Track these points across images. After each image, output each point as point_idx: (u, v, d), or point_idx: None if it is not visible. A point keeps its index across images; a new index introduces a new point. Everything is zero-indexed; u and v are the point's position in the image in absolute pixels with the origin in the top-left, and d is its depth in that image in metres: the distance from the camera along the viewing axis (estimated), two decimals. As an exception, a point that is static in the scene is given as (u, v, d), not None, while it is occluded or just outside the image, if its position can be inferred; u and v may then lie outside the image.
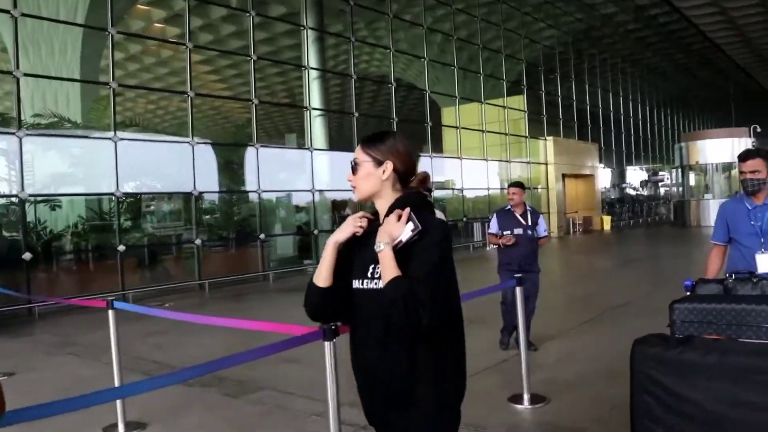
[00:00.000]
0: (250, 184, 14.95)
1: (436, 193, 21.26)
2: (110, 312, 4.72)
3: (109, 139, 12.10)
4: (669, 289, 10.24)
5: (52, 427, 4.88)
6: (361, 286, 2.09)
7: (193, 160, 13.43)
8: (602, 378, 5.40)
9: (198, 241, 13.50)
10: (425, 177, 2.18)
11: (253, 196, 15.07)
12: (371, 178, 2.11)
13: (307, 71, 16.47)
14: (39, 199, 11.93)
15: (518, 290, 4.93)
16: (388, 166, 2.09)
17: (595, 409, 4.60)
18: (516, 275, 5.05)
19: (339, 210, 17.96)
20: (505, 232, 6.46)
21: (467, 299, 5.22)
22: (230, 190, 15.64)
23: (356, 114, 17.45)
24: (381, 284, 1.96)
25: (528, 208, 6.69)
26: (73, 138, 12.58)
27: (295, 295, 12.00)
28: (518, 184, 6.70)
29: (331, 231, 16.85)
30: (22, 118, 11.30)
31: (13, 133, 11.01)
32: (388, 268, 1.95)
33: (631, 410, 2.81)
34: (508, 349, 6.57)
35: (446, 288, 2.01)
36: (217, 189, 15.19)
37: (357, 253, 2.13)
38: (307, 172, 16.20)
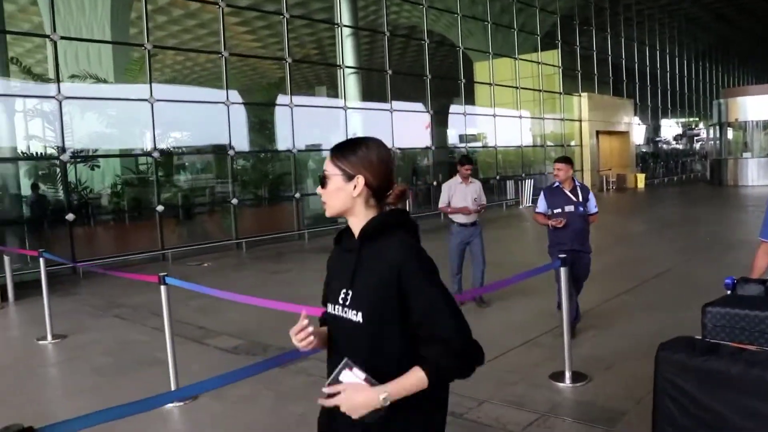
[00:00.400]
0: (285, 142, 15.02)
1: (471, 146, 21.17)
2: (162, 288, 4.83)
3: (146, 100, 12.21)
4: (708, 258, 10.21)
5: (111, 395, 5.11)
6: (333, 312, 1.92)
7: (228, 120, 13.53)
8: (642, 356, 5.38)
9: (234, 201, 13.67)
10: (403, 191, 1.95)
11: (287, 155, 15.17)
12: (341, 194, 1.88)
13: (339, 28, 16.34)
14: (78, 160, 12.08)
15: (563, 270, 4.94)
16: (359, 181, 1.86)
17: (636, 390, 4.64)
18: (563, 255, 5.03)
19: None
20: (555, 210, 6.18)
21: (517, 281, 5.28)
22: (265, 150, 15.70)
23: (389, 71, 17.31)
24: (352, 315, 1.82)
25: (577, 183, 6.37)
26: (110, 100, 12.65)
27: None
28: (565, 159, 6.36)
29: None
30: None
31: (53, 97, 11.15)
32: (406, 389, 1.74)
33: (653, 414, 2.78)
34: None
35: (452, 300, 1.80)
36: (252, 148, 15.26)
37: (334, 274, 1.99)
38: (341, 129, 16.24)
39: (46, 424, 2.10)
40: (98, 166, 13.00)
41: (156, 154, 12.45)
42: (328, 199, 1.91)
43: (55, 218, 11.57)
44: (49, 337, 6.86)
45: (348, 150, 1.89)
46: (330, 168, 1.89)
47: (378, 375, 1.75)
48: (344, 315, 1.85)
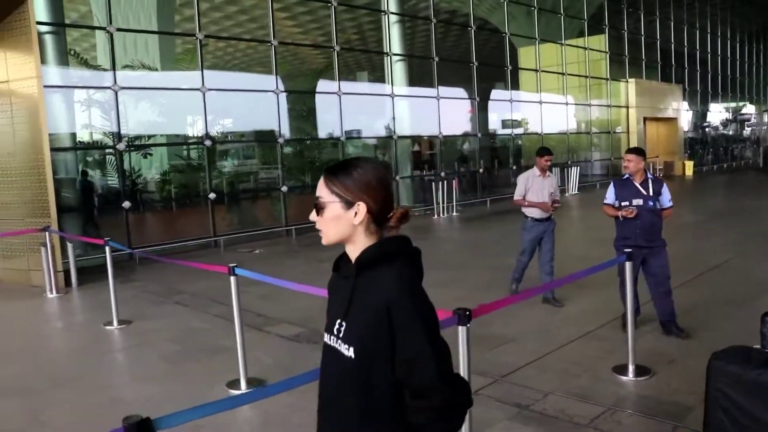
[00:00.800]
0: (332, 130, 15.15)
1: (515, 132, 21.01)
2: (232, 278, 4.95)
3: (198, 89, 12.42)
4: (765, 251, 9.97)
5: (180, 381, 5.28)
6: (328, 342, 1.81)
7: (278, 108, 13.69)
8: (705, 351, 5.38)
9: (284, 188, 13.85)
10: (405, 213, 1.80)
11: (335, 142, 15.30)
12: (340, 223, 1.74)
13: (386, 16, 16.34)
14: (132, 148, 12.35)
15: (628, 266, 4.92)
16: (361, 208, 1.72)
17: (700, 385, 4.62)
18: (628, 250, 4.99)
19: (422, 152, 18.06)
20: (622, 203, 5.95)
21: (578, 278, 5.27)
22: (314, 137, 15.80)
23: (436, 58, 17.28)
24: (344, 349, 1.71)
25: (649, 176, 6.07)
26: (163, 90, 12.89)
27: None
28: (635, 150, 6.09)
29: (410, 177, 17.28)
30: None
31: (109, 87, 11.41)
32: None
33: (704, 425, 2.72)
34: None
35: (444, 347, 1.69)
36: (298, 135, 15.38)
37: (332, 302, 1.88)
38: (387, 117, 16.30)
39: (161, 416, 2.19)
40: (151, 154, 13.29)
41: (207, 142, 12.67)
42: (325, 228, 1.77)
43: (111, 206, 11.88)
44: (115, 322, 7.09)
45: (343, 173, 1.74)
46: (325, 194, 1.74)
47: (370, 413, 1.70)
48: (338, 347, 1.73)
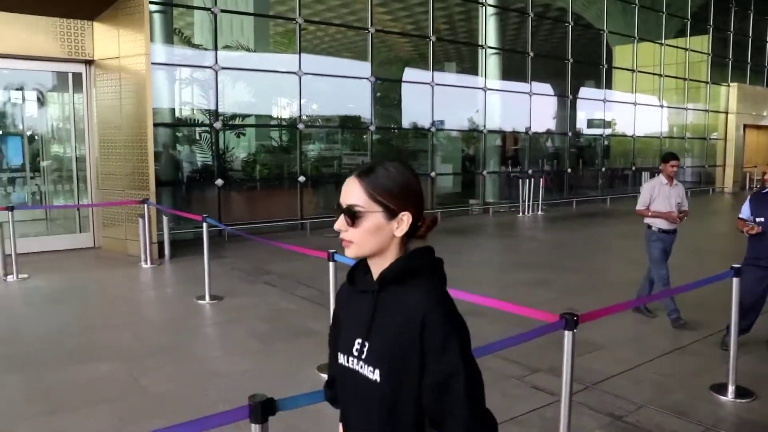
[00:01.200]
0: (419, 119, 15.12)
1: (605, 132, 20.46)
2: (330, 264, 5.01)
3: (294, 73, 12.61)
4: None
5: (272, 360, 5.40)
6: (346, 364, 1.61)
7: (370, 95, 13.78)
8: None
9: (374, 175, 13.91)
10: (434, 220, 1.62)
11: (424, 132, 15.30)
12: (380, 235, 1.53)
13: (484, 8, 16.15)
14: (227, 127, 12.63)
15: (735, 282, 4.71)
16: (405, 218, 1.53)
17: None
18: (736, 266, 4.77)
19: (509, 147, 17.84)
20: (757, 219, 5.58)
21: (691, 289, 5.09)
22: (404, 127, 15.79)
23: (531, 53, 16.99)
24: (368, 372, 1.53)
25: None
26: (261, 72, 13.14)
27: (464, 238, 12.09)
28: None
29: (498, 172, 17.06)
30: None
31: (210, 67, 11.72)
32: None
33: None
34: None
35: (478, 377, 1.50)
36: (387, 124, 15.42)
37: (346, 318, 1.67)
38: (479, 109, 16.18)
39: (285, 396, 2.24)
40: (244, 134, 13.58)
41: (301, 125, 12.87)
42: (358, 240, 1.53)
43: (204, 182, 12.22)
44: (207, 297, 7.30)
45: (385, 179, 1.52)
46: (364, 201, 1.51)
47: None
48: (360, 370, 1.55)
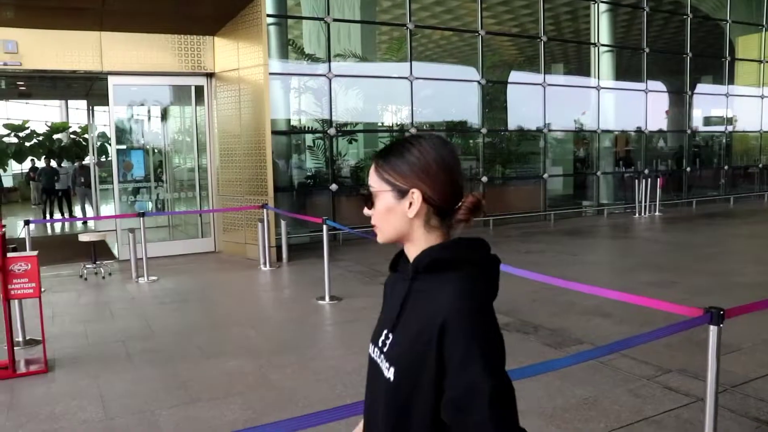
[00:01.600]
0: (532, 122, 14.88)
1: (728, 129, 19.38)
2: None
3: (406, 78, 12.71)
4: None
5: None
6: (372, 354, 1.51)
7: (482, 98, 13.72)
8: None
9: (484, 178, 13.84)
10: (476, 202, 1.40)
11: (535, 134, 15.05)
12: (394, 216, 1.42)
13: (596, 5, 15.71)
14: (340, 133, 12.86)
15: None
16: (416, 196, 1.38)
17: None
18: None
19: (621, 148, 17.26)
20: None
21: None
22: (515, 129, 15.58)
23: (647, 49, 16.36)
24: (384, 368, 1.41)
25: None
26: (371, 78, 13.33)
27: (580, 239, 11.78)
28: None
29: (612, 173, 16.53)
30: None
31: (324, 75, 12.00)
32: None
33: None
34: None
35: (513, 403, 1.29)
36: (495, 126, 15.24)
37: (385, 306, 1.57)
38: (592, 110, 15.73)
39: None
40: (356, 140, 13.79)
41: (413, 130, 12.95)
42: (378, 223, 1.45)
43: (318, 188, 12.50)
44: (326, 297, 7.45)
45: (396, 156, 1.41)
46: (375, 182, 1.44)
47: None
48: (380, 364, 1.43)
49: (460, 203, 1.39)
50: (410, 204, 1.38)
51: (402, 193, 1.39)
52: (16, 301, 5.59)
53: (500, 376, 1.27)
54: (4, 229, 5.13)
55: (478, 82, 13.67)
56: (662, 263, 9.71)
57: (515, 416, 1.28)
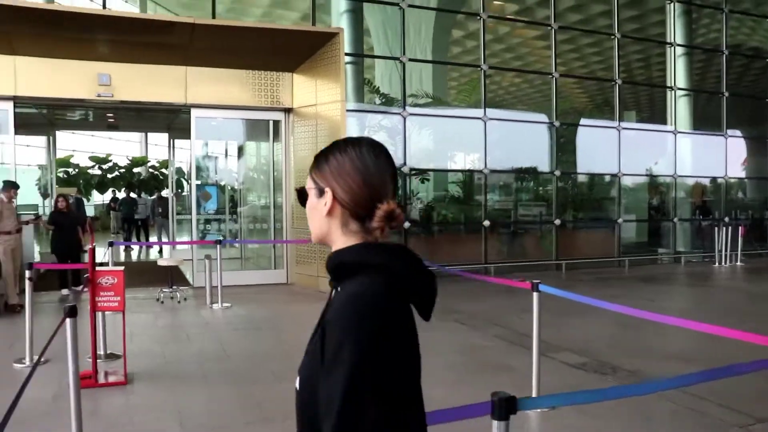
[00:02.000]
0: (608, 165, 14.64)
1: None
2: (534, 294, 4.92)
3: (479, 118, 12.77)
4: None
5: (470, 389, 5.34)
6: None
7: (555, 140, 13.66)
8: None
9: (557, 221, 13.65)
10: (390, 211, 1.33)
11: (609, 178, 14.82)
12: (316, 214, 1.41)
13: (672, 48, 15.50)
14: (414, 172, 12.92)
15: None
16: (328, 196, 1.37)
17: None
18: None
19: (698, 197, 16.75)
20: None
21: None
22: (590, 172, 15.37)
23: (726, 93, 15.98)
24: (297, 382, 1.36)
25: None
26: (445, 117, 13.45)
27: (657, 285, 11.42)
28: None
29: (690, 220, 16.04)
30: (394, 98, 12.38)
31: (399, 113, 12.17)
32: None
33: None
34: None
35: (380, 426, 1.19)
36: (567, 170, 15.08)
37: None
38: (668, 155, 15.42)
39: (524, 396, 2.20)
40: (428, 179, 13.84)
41: (486, 171, 12.93)
42: (308, 220, 1.45)
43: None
44: (396, 330, 7.40)
45: (323, 157, 1.42)
46: (308, 180, 1.44)
47: None
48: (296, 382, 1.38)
49: (377, 209, 1.34)
50: (325, 203, 1.37)
51: (321, 192, 1.39)
52: (100, 315, 5.78)
53: (360, 393, 1.17)
54: (94, 244, 5.34)
55: (551, 124, 13.60)
56: (749, 311, 9.32)
57: None
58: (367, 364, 1.19)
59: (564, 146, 14.68)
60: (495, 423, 2.23)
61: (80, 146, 30.12)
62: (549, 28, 13.74)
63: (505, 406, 2.20)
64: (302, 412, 1.34)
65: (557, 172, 13.80)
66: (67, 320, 4.17)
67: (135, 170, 30.99)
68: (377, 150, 1.41)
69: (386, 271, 1.31)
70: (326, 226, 1.39)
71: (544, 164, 14.02)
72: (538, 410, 4.82)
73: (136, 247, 18.88)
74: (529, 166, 14.37)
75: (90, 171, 29.55)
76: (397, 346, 1.25)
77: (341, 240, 1.38)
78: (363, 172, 1.36)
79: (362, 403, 1.16)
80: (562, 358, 6.42)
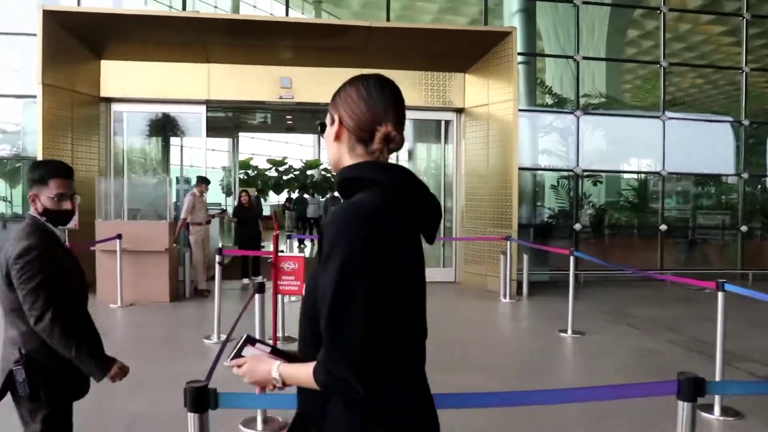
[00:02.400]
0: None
1: None
2: (719, 294, 4.68)
3: (657, 117, 12.19)
4: None
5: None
6: None
7: (743, 141, 12.73)
8: None
9: (744, 228, 12.70)
10: (387, 133, 1.52)
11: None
12: (329, 140, 1.61)
13: None
14: (587, 173, 12.54)
15: None
16: (336, 120, 1.58)
17: None
18: None
19: None
20: None
21: None
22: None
23: None
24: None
25: None
26: (621, 117, 12.96)
27: None
28: None
29: None
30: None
31: (572, 113, 11.91)
32: (296, 377, 1.52)
33: None
34: None
35: (370, 316, 1.38)
36: (765, 173, 13.90)
37: None
38: None
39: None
40: (600, 182, 13.37)
41: (664, 173, 12.32)
42: (327, 150, 1.66)
43: (560, 226, 12.29)
44: (569, 331, 7.29)
45: (337, 91, 1.61)
46: (327, 115, 1.64)
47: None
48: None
49: (376, 133, 1.52)
50: (335, 129, 1.57)
51: (333, 121, 1.58)
52: (280, 299, 6.18)
53: (352, 285, 1.36)
54: (278, 232, 5.73)
55: (740, 123, 12.66)
56: None
57: (357, 332, 1.37)
58: (356, 262, 1.37)
59: (753, 147, 13.61)
60: (680, 404, 2.17)
61: (258, 150, 32.22)
62: (741, 18, 12.80)
63: (692, 386, 2.13)
64: (306, 298, 1.52)
65: (745, 175, 12.81)
66: (256, 296, 4.57)
67: (308, 172, 32.62)
68: (384, 83, 1.58)
69: (384, 189, 1.48)
70: (337, 151, 1.59)
71: (728, 166, 13.06)
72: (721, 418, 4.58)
73: (308, 243, 19.91)
74: (712, 168, 13.45)
75: (267, 173, 31.52)
76: (390, 259, 1.42)
77: (349, 163, 1.57)
78: (366, 99, 1.55)
79: (353, 298, 1.36)
80: (748, 368, 6.03)
